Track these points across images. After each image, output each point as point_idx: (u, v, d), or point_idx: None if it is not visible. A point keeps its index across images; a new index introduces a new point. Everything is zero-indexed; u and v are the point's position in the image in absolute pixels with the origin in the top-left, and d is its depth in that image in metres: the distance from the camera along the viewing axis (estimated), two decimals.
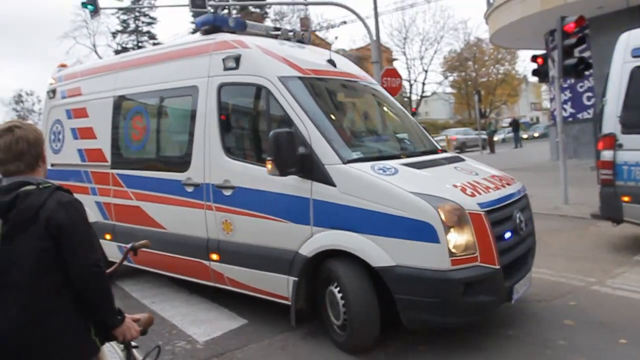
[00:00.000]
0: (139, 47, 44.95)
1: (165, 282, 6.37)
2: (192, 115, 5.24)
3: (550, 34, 10.08)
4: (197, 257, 5.17)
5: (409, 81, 49.12)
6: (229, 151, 4.93)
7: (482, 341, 4.17)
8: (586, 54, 9.96)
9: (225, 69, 4.96)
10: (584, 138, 16.52)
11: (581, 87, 17.04)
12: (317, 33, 43.42)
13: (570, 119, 17.23)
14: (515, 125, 32.87)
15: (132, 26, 46.61)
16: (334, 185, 4.09)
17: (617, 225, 6.56)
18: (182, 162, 5.28)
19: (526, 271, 4.36)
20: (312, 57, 5.43)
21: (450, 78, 56.18)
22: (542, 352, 3.91)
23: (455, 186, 4.06)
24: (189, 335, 4.68)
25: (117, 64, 6.52)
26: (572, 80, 14.87)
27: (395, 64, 47.24)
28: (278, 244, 4.47)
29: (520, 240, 4.33)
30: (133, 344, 2.34)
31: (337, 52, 5.97)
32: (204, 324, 4.93)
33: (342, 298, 4.04)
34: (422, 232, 3.68)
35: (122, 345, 2.37)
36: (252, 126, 5.19)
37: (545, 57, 10.04)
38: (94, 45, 47.00)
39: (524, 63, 60.93)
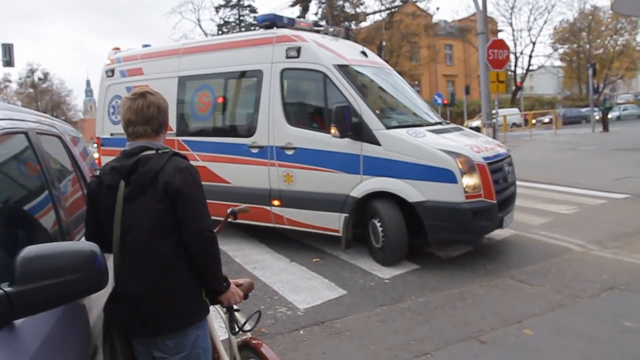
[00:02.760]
0: (240, 21, 46.24)
1: (265, 249, 6.63)
2: (257, 92, 6.63)
3: None
4: (259, 204, 6.46)
5: (515, 54, 46.55)
6: (291, 120, 6.37)
7: (593, 330, 3.92)
8: None
9: (288, 57, 6.40)
10: None
11: None
12: (418, 4, 42.18)
13: None
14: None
15: (234, 0, 47.82)
16: (379, 144, 5.69)
17: None
18: (248, 129, 6.71)
19: (511, 209, 6.11)
20: (350, 50, 7.02)
21: (560, 50, 52.50)
22: None
23: (466, 145, 5.73)
24: (290, 302, 4.79)
25: (180, 49, 7.80)
26: None
27: (501, 36, 44.93)
28: (333, 189, 5.98)
29: (508, 186, 6.06)
30: (235, 307, 2.40)
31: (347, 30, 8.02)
32: (303, 292, 5.04)
33: (381, 227, 5.65)
34: (445, 176, 5.36)
35: (224, 309, 2.44)
36: (311, 101, 6.79)
37: None
38: (199, 20, 48.94)
39: None
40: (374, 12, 41.51)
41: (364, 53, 7.14)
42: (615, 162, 13.27)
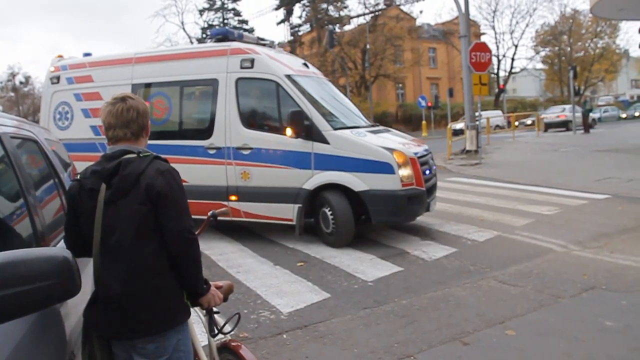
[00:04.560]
0: (225, 24, 46.08)
1: (249, 253, 6.62)
2: (214, 99, 7.31)
3: None
4: (217, 200, 6.98)
5: (497, 57, 47.00)
6: (246, 124, 7.14)
7: (575, 330, 3.96)
8: None
9: (242, 67, 7.17)
10: None
11: None
12: (401, 7, 42.41)
13: None
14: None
15: (218, 3, 47.70)
16: (328, 143, 6.61)
17: None
18: (205, 132, 7.34)
19: (434, 196, 7.31)
20: (295, 61, 8.11)
21: (542, 53, 53.13)
22: None
23: (399, 143, 6.91)
24: (273, 305, 4.77)
25: (132, 58, 8.19)
26: None
27: (483, 39, 45.32)
28: (287, 184, 6.80)
29: (432, 177, 7.22)
30: (214, 309, 2.39)
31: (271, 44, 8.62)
32: (287, 295, 5.01)
33: (331, 214, 6.57)
34: (385, 168, 6.40)
35: (204, 311, 2.44)
36: (265, 107, 7.41)
37: None
38: (182, 23, 48.72)
39: (627, 36, 56.68)
40: (358, 16, 41.69)
41: (305, 64, 8.29)
42: (596, 163, 13.45)
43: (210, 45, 8.21)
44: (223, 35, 7.72)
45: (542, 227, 7.17)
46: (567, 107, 31.45)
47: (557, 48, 51.69)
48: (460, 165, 14.85)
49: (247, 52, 7.24)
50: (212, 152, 7.24)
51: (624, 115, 41.37)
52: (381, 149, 6.49)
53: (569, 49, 51.46)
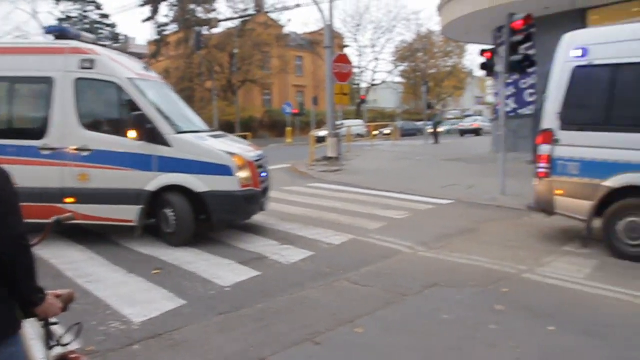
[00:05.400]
0: (84, 17, 43.14)
1: (101, 261, 6.23)
2: (48, 98, 6.95)
3: (498, 30, 10.28)
4: (49, 202, 6.72)
5: (360, 69, 49.40)
6: (86, 125, 6.95)
7: (417, 324, 4.30)
8: (531, 52, 10.23)
9: (82, 67, 6.95)
10: (522, 132, 17.09)
11: (524, 83, 17.49)
12: (269, 15, 42.80)
13: (513, 114, 17.73)
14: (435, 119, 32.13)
15: None
16: (171, 146, 6.75)
17: (549, 217, 6.87)
18: (38, 132, 6.95)
19: (268, 196, 7.84)
20: (136, 65, 7.93)
21: (401, 68, 56.88)
22: (474, 336, 4.06)
23: (238, 148, 7.38)
24: (124, 315, 4.54)
25: None
26: (517, 76, 15.30)
27: (347, 51, 47.38)
28: (129, 185, 6.82)
29: (266, 179, 7.70)
30: (53, 320, 2.25)
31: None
32: (140, 304, 4.80)
33: (173, 215, 6.75)
34: (225, 170, 6.76)
35: (42, 322, 2.28)
36: (106, 109, 7.34)
37: (493, 52, 10.29)
38: (35, 12, 44.64)
39: (472, 57, 62.59)
40: (227, 19, 41.21)
41: (146, 68, 8.29)
42: (443, 171, 14.71)
43: (46, 42, 7.91)
44: (60, 32, 7.42)
45: (393, 230, 7.67)
46: (480, 117, 42.13)
47: (413, 64, 55.69)
48: (321, 171, 15.35)
49: (87, 52, 7.05)
50: (45, 152, 6.90)
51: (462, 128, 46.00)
52: (222, 152, 6.88)
53: (423, 65, 55.71)
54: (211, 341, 4.06)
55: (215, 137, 7.59)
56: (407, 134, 39.10)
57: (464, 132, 39.56)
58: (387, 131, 37.67)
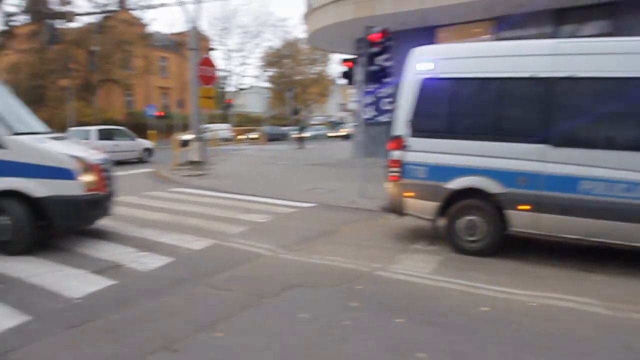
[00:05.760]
0: None
1: None
2: None
3: (359, 41, 10.85)
4: None
5: (227, 72, 48.96)
6: None
7: (275, 325, 4.37)
8: (388, 63, 10.92)
9: None
10: (381, 139, 18.09)
11: (382, 92, 18.58)
12: (131, 12, 40.80)
13: (371, 121, 18.71)
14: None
15: None
16: (6, 148, 6.38)
17: (401, 217, 7.36)
18: None
19: (113, 200, 7.56)
20: None
21: (268, 73, 57.40)
22: (329, 333, 4.22)
23: (81, 150, 7.15)
24: None
25: None
26: (376, 86, 16.19)
27: (214, 54, 46.67)
28: None
29: (111, 183, 7.44)
30: None
31: None
32: None
33: (9, 222, 6.29)
34: (67, 174, 6.47)
35: None
36: None
37: (354, 62, 10.79)
38: None
39: (336, 65, 64.84)
40: (86, 14, 38.46)
41: None
42: (307, 175, 15.09)
43: None
44: None
45: (255, 233, 7.70)
46: (350, 124, 42.22)
47: (280, 70, 56.49)
48: (185, 176, 14.95)
49: None
50: None
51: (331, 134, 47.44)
52: (63, 155, 6.59)
53: (290, 71, 56.75)
54: (59, 358, 3.79)
55: (56, 139, 7.29)
56: (273, 138, 39.41)
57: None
58: (253, 135, 37.75)
